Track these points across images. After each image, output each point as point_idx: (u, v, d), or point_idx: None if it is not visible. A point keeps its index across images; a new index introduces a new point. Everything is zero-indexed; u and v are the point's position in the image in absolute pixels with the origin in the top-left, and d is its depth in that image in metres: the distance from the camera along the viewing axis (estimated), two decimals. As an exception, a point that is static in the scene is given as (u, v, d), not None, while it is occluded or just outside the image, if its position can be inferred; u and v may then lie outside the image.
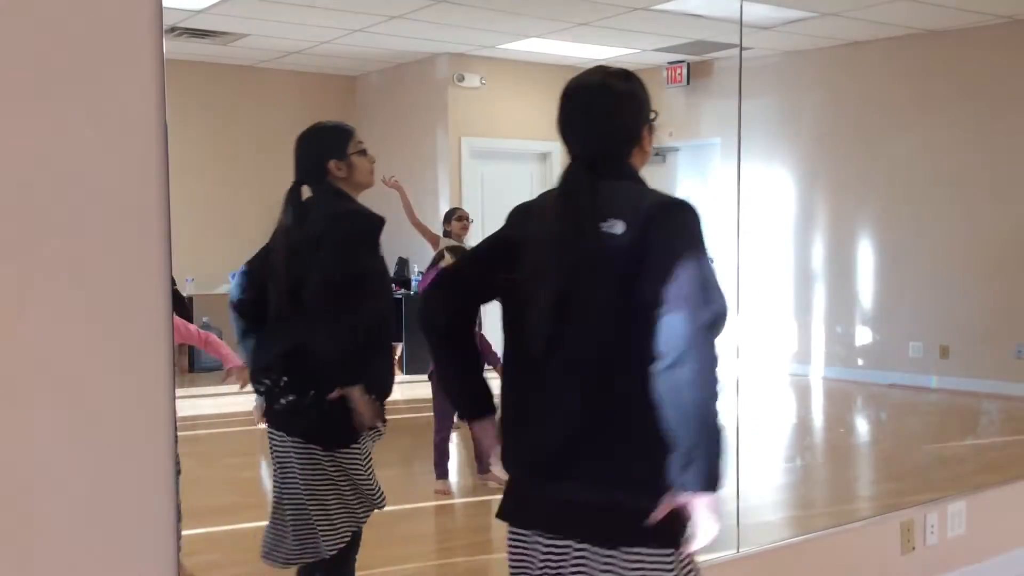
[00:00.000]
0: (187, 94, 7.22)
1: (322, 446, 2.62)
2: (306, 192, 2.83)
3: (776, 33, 6.67)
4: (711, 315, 1.71)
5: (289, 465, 2.69)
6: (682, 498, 1.75)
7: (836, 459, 5.90)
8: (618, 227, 1.76)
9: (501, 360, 2.01)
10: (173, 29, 6.43)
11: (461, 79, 7.87)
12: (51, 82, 1.70)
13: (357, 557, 2.81)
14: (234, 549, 4.00)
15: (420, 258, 8.09)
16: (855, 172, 7.52)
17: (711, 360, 1.70)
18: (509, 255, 1.92)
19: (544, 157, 8.37)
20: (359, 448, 2.68)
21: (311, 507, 2.64)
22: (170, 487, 1.82)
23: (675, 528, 1.80)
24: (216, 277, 7.67)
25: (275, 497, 2.73)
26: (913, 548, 3.68)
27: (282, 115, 8.21)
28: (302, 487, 2.66)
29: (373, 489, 2.74)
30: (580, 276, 1.79)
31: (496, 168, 8.02)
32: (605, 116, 1.91)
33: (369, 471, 2.72)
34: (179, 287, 4.91)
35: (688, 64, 7.97)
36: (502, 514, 1.95)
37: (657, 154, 9.77)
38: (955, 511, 3.81)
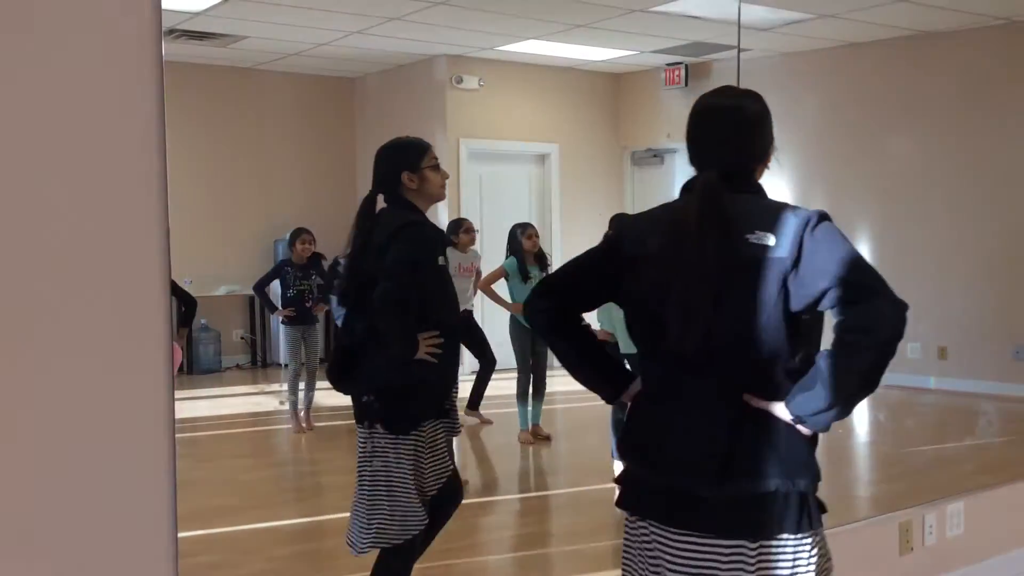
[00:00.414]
0: (186, 96, 7.24)
1: (385, 431, 2.81)
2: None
3: (774, 34, 6.68)
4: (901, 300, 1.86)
5: (360, 454, 2.88)
6: (787, 417, 1.86)
7: (834, 459, 5.91)
8: (769, 239, 1.87)
9: None
10: (172, 31, 6.44)
11: (459, 81, 7.88)
12: (49, 83, 1.71)
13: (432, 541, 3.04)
14: (233, 550, 4.01)
15: (419, 260, 8.10)
16: (852, 173, 7.53)
17: (900, 338, 1.83)
18: (624, 265, 2.01)
19: (542, 159, 8.38)
20: (421, 436, 2.84)
21: (380, 494, 2.82)
22: (168, 489, 1.83)
23: (815, 511, 1.91)
24: (214, 278, 7.68)
25: (356, 486, 2.92)
26: (911, 548, 3.68)
27: (280, 117, 8.24)
28: (368, 474, 2.85)
29: (440, 473, 2.92)
30: (731, 285, 1.87)
31: (494, 169, 8.03)
32: (744, 135, 2.03)
33: (437, 459, 2.90)
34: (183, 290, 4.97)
35: (686, 65, 7.98)
36: (656, 515, 1.96)
37: (655, 156, 9.80)
38: (953, 511, 3.82)
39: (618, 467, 5.66)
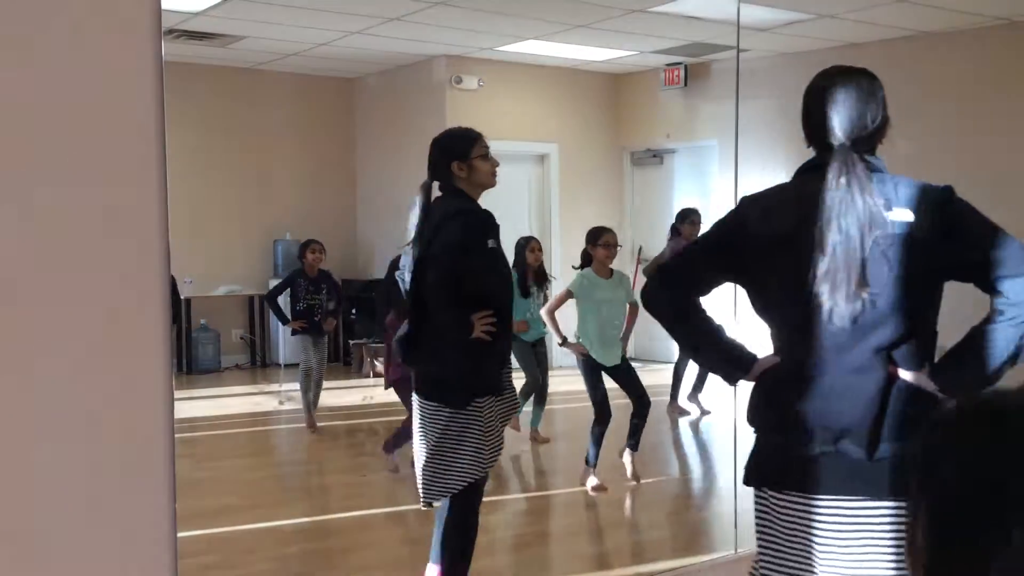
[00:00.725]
0: (186, 96, 7.23)
1: (444, 405, 2.99)
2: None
3: (773, 35, 6.68)
4: None
5: (420, 422, 3.06)
6: (932, 386, 1.95)
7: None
8: (907, 215, 1.93)
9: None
10: (172, 31, 6.43)
11: (459, 81, 7.88)
12: (50, 84, 1.71)
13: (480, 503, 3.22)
14: (233, 550, 4.01)
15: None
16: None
17: None
18: (750, 246, 2.03)
19: (542, 159, 8.38)
20: (477, 411, 3.00)
21: (434, 456, 3.02)
22: (168, 489, 1.83)
23: None
24: (214, 278, 7.68)
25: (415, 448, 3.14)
26: (911, 549, 3.68)
27: (280, 117, 8.23)
28: (425, 437, 3.03)
29: (487, 449, 3.06)
30: (875, 261, 1.92)
31: (494, 170, 8.02)
32: (870, 111, 2.08)
33: (488, 433, 3.04)
34: (178, 288, 4.95)
35: (685, 66, 7.97)
36: (804, 485, 1.99)
37: (654, 156, 9.78)
38: (952, 512, 3.82)
39: (591, 476, 5.54)
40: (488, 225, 3.03)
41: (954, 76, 6.94)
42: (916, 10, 6.08)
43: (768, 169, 7.50)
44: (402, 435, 4.87)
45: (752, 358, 2.10)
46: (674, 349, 8.17)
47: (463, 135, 3.11)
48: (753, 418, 2.08)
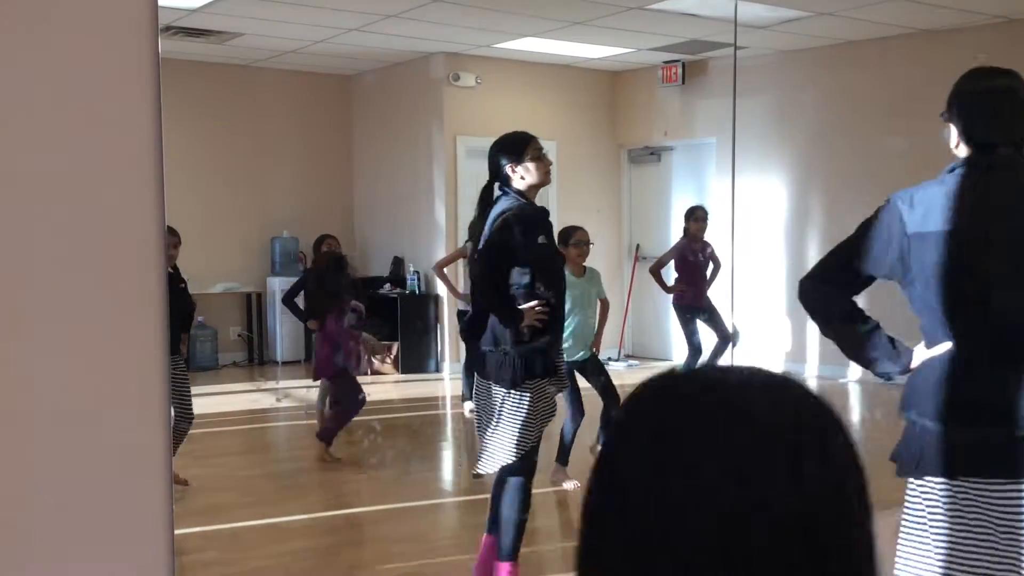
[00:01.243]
0: (182, 94, 7.22)
1: (501, 385, 3.26)
2: None
3: (771, 32, 6.68)
4: None
5: (479, 401, 3.37)
6: None
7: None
8: None
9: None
10: (168, 28, 6.42)
11: (456, 78, 7.87)
12: (44, 82, 1.71)
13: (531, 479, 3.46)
14: (231, 547, 4.01)
15: (416, 258, 8.10)
16: (850, 170, 7.53)
17: None
18: (907, 242, 2.08)
19: (540, 156, 8.39)
20: (528, 392, 3.25)
21: (491, 430, 3.29)
22: (165, 486, 1.83)
23: None
24: (211, 276, 7.68)
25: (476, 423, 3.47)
26: (908, 545, 3.68)
27: (277, 114, 8.23)
28: (482, 414, 3.34)
29: (538, 424, 3.32)
30: None
31: (492, 167, 8.01)
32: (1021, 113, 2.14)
33: (535, 414, 3.28)
34: (191, 297, 4.96)
35: (683, 63, 7.97)
36: (972, 470, 2.06)
37: (652, 153, 9.75)
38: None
39: (568, 480, 5.49)
40: (539, 222, 3.31)
41: (952, 74, 6.94)
42: (913, 8, 6.09)
43: (766, 166, 7.52)
44: (341, 422, 5.29)
45: (909, 351, 2.16)
46: (672, 348, 8.19)
47: (517, 139, 3.39)
48: (919, 407, 2.15)
